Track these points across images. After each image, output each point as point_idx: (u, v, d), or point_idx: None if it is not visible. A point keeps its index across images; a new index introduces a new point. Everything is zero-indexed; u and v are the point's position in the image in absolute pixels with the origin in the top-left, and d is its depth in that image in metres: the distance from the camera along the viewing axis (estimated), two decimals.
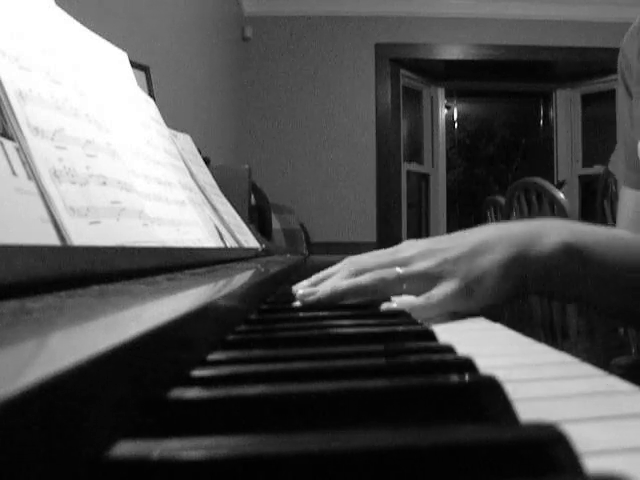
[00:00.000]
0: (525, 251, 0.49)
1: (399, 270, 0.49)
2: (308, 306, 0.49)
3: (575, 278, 0.50)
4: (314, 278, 0.54)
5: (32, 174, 0.38)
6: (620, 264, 0.51)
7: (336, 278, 0.52)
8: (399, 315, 0.45)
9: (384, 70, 3.72)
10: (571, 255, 0.49)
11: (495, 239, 0.50)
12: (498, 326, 0.43)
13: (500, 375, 0.21)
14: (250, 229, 1.33)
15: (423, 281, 0.49)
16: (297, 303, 0.50)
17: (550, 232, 0.50)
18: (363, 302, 0.50)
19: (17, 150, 0.37)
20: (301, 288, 0.52)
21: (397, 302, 0.48)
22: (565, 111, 4.16)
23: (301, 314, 0.46)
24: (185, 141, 1.12)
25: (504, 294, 0.49)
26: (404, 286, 0.49)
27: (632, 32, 0.82)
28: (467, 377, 0.21)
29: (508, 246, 0.49)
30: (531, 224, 0.52)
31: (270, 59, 3.66)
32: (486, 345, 0.36)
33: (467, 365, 0.25)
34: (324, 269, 0.55)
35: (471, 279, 0.48)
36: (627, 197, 0.83)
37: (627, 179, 0.83)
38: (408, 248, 0.52)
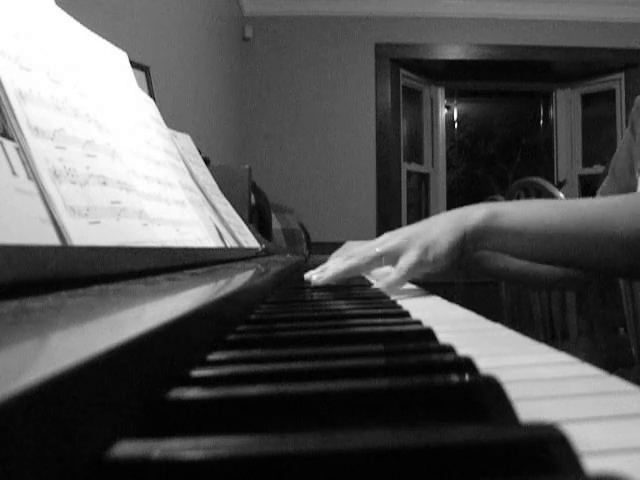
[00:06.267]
0: (460, 221, 0.68)
1: (377, 249, 0.69)
2: (309, 300, 0.58)
3: (498, 233, 0.67)
4: (320, 267, 0.74)
5: (32, 174, 0.38)
6: (534, 220, 0.66)
7: (337, 261, 0.72)
8: (399, 315, 0.45)
9: (384, 70, 3.72)
10: (493, 217, 0.67)
11: (439, 219, 0.70)
12: (498, 326, 0.43)
13: (500, 375, 0.21)
14: (250, 229, 1.33)
15: (393, 256, 0.69)
16: (313, 278, 0.70)
17: (478, 207, 0.70)
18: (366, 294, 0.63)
19: (17, 150, 0.37)
20: (314, 274, 0.71)
21: (375, 283, 0.69)
22: (565, 111, 4.16)
23: (301, 314, 0.46)
24: (185, 141, 1.12)
25: (451, 256, 0.67)
26: (383, 261, 0.69)
27: None
28: (467, 377, 0.21)
29: (448, 221, 0.69)
30: (466, 207, 0.72)
31: (270, 59, 3.66)
32: (486, 345, 0.36)
33: (467, 365, 0.25)
34: None
35: (425, 247, 0.67)
36: None
37: None
38: (384, 236, 0.72)
